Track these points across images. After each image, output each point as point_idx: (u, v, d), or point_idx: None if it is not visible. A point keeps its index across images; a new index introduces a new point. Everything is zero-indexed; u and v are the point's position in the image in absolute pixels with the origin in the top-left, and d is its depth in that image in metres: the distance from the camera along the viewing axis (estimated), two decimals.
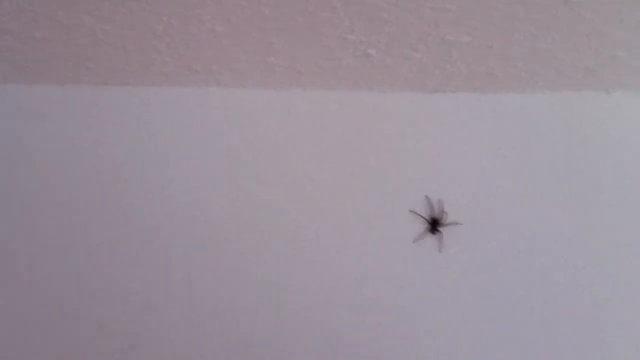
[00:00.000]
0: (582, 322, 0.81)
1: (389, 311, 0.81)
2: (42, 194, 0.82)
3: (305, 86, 0.84)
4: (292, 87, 0.84)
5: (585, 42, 0.78)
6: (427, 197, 0.85)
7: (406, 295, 0.82)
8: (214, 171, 0.83)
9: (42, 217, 0.81)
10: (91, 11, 0.69)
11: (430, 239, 0.84)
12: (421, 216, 0.84)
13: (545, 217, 0.84)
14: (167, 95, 0.83)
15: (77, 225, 0.81)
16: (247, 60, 0.79)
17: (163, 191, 0.82)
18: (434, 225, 0.84)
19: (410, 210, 0.84)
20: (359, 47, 0.77)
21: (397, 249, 0.83)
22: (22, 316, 0.79)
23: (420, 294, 0.82)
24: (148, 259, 0.81)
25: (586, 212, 0.84)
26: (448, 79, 0.84)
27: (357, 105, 0.86)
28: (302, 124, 0.85)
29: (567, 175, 0.85)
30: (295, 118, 0.85)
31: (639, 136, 0.87)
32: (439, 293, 0.82)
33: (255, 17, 0.70)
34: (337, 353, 0.80)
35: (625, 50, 0.81)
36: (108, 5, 0.68)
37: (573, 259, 0.83)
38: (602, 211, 0.84)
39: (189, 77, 0.81)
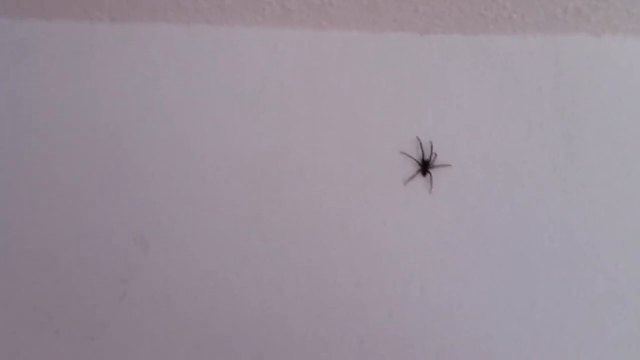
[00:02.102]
0: (564, 260, 0.81)
1: (372, 248, 0.81)
2: (27, 131, 0.81)
3: (294, 25, 0.84)
4: (281, 26, 0.84)
5: None
6: (417, 139, 0.84)
7: (391, 234, 0.82)
8: (200, 108, 0.82)
9: (28, 154, 0.80)
10: None
11: (420, 180, 0.84)
12: (412, 157, 0.84)
13: (533, 158, 0.84)
14: (154, 32, 0.82)
15: (64, 163, 0.80)
16: None
17: (151, 128, 0.82)
18: (425, 166, 0.84)
19: (401, 152, 0.84)
20: None
21: (386, 189, 0.83)
22: (11, 252, 0.78)
23: (407, 233, 0.82)
24: (139, 196, 0.80)
25: (573, 153, 0.84)
26: (438, 19, 0.84)
27: (346, 45, 0.85)
28: (291, 63, 0.85)
29: (555, 117, 0.85)
30: (283, 57, 0.85)
31: (627, 80, 0.87)
32: (427, 233, 0.82)
33: None
34: (317, 290, 0.80)
35: None
36: None
37: (558, 198, 0.83)
38: (587, 152, 0.84)
39: (178, 13, 0.80)
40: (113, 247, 0.79)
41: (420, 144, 0.84)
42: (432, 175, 0.83)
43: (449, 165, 0.84)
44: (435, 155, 0.84)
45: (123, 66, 0.82)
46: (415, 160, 0.84)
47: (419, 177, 0.84)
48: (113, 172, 0.81)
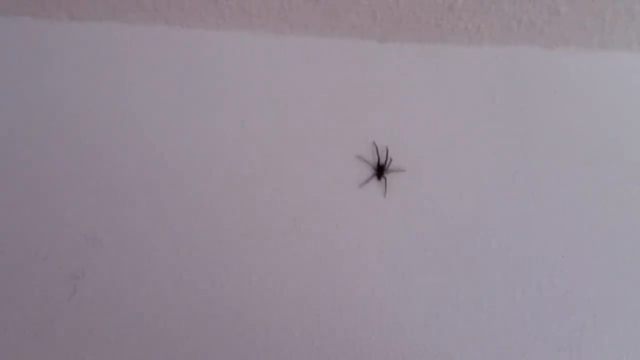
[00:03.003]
0: (511, 264, 0.84)
1: (325, 248, 0.83)
2: None
3: (254, 29, 0.85)
4: (241, 29, 0.85)
5: None
6: (374, 144, 0.86)
7: (344, 235, 0.83)
8: (157, 107, 0.83)
9: None
10: None
11: (375, 184, 0.86)
12: (367, 162, 0.86)
13: (485, 165, 0.87)
14: (113, 31, 0.83)
15: (16, 157, 0.80)
16: None
17: (107, 126, 0.82)
18: (380, 171, 0.85)
19: (357, 156, 0.86)
20: None
21: (341, 192, 0.85)
22: None
23: (360, 235, 0.84)
24: (92, 193, 0.81)
25: (523, 161, 0.87)
26: (396, 28, 0.86)
27: (306, 50, 0.87)
28: (250, 66, 0.86)
29: (507, 126, 0.88)
30: (243, 60, 0.86)
31: (578, 91, 0.90)
32: (379, 235, 0.84)
33: None
34: (269, 288, 0.81)
35: (568, 5, 0.84)
36: None
37: (508, 205, 0.85)
38: (537, 161, 0.87)
39: (138, 13, 0.81)
40: (64, 243, 0.79)
41: (376, 148, 0.86)
42: (387, 179, 0.85)
43: (403, 170, 0.86)
44: (391, 160, 0.86)
45: (81, 64, 0.82)
46: (371, 164, 0.86)
47: (374, 181, 0.86)
48: (67, 168, 0.81)
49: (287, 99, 0.86)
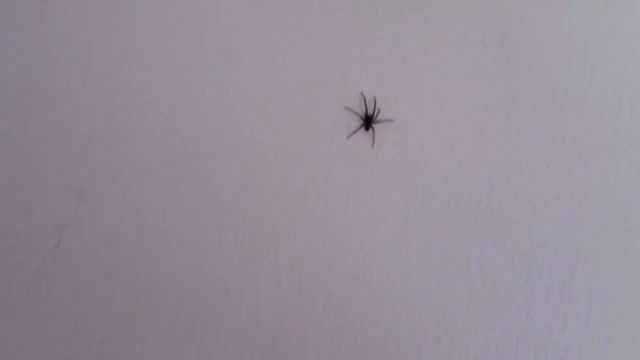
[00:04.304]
0: (502, 215, 0.83)
1: (313, 201, 0.82)
2: None
3: None
4: None
5: None
6: (361, 94, 0.85)
7: (332, 188, 0.82)
8: (141, 61, 0.82)
9: None
10: None
11: (363, 135, 0.84)
12: (355, 112, 0.84)
13: (476, 116, 0.85)
14: None
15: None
16: None
17: (93, 80, 0.81)
18: (368, 121, 0.84)
19: (345, 107, 0.85)
20: None
21: (329, 144, 0.84)
22: None
23: (348, 187, 0.83)
24: (77, 143, 0.80)
25: (514, 113, 0.85)
26: None
27: None
28: (234, 16, 0.84)
29: (499, 77, 0.86)
30: (227, 10, 0.84)
31: (570, 41, 0.88)
32: (368, 187, 0.83)
33: None
34: (256, 243, 0.81)
35: None
36: None
37: (499, 157, 0.84)
38: (528, 112, 0.86)
39: None
40: (48, 195, 0.78)
41: (364, 99, 0.85)
42: (375, 130, 0.84)
43: (391, 120, 0.84)
44: (379, 110, 0.85)
45: (62, 17, 0.81)
46: (359, 115, 0.85)
47: (362, 132, 0.84)
48: (50, 119, 0.80)
49: (272, 49, 0.85)
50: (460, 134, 0.85)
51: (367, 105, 0.84)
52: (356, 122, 0.84)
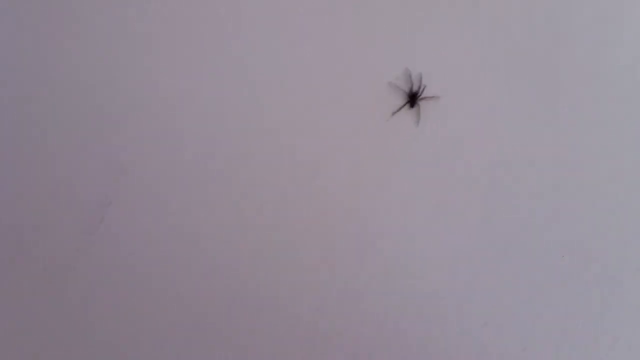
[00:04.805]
0: (551, 196, 0.81)
1: (357, 178, 0.81)
2: None
3: None
4: None
5: None
6: (406, 70, 0.83)
7: (376, 165, 0.81)
8: (171, 38, 0.80)
9: None
10: None
11: (409, 112, 0.82)
12: (401, 88, 0.82)
13: (521, 92, 0.83)
14: None
15: (44, 86, 0.78)
16: None
17: (128, 62, 0.79)
18: (413, 98, 0.82)
19: (389, 83, 0.82)
20: None
21: (373, 120, 0.82)
22: None
23: (393, 165, 0.81)
24: (121, 123, 0.79)
25: (560, 88, 0.83)
26: None
27: None
28: None
29: (543, 52, 0.84)
30: None
31: (613, 22, 0.85)
32: (412, 165, 0.81)
33: None
34: (294, 227, 0.80)
35: None
36: None
37: (546, 133, 0.82)
38: (574, 88, 0.83)
39: None
40: (90, 172, 0.77)
41: (410, 75, 0.82)
42: (421, 107, 0.82)
43: (437, 97, 0.82)
44: (425, 87, 0.82)
45: None
46: (404, 91, 0.82)
47: (407, 108, 0.82)
48: (89, 98, 0.79)
49: (311, 22, 0.82)
50: (506, 110, 0.82)
51: (413, 81, 0.82)
52: (401, 98, 0.82)
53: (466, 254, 0.80)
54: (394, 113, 0.82)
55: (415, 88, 0.82)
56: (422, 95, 0.82)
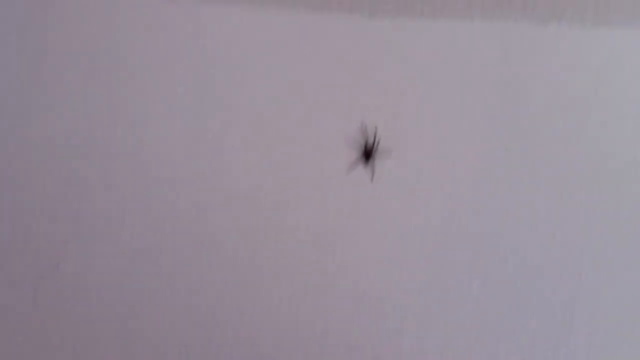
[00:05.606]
0: (505, 252, 0.83)
1: (311, 237, 0.81)
2: None
3: (236, 3, 0.79)
4: (218, 2, 0.79)
5: None
6: (361, 124, 0.83)
7: (334, 224, 0.81)
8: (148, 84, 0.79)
9: None
10: None
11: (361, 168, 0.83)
12: (355, 145, 0.82)
13: (477, 147, 0.84)
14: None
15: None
16: None
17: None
18: (367, 155, 0.82)
19: (346, 138, 0.82)
20: None
21: (329, 177, 0.82)
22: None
23: (350, 223, 0.82)
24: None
25: (517, 144, 0.84)
26: (385, 2, 0.81)
27: (292, 25, 0.82)
28: (234, 43, 0.81)
29: (500, 105, 0.85)
30: (225, 36, 0.81)
31: (571, 69, 0.87)
32: (369, 223, 0.82)
33: None
34: (261, 278, 0.80)
35: None
36: None
37: (502, 189, 0.84)
38: (532, 143, 0.85)
39: None
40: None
41: (364, 129, 0.82)
42: (375, 163, 0.82)
43: (391, 151, 0.83)
44: (379, 141, 0.83)
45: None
46: (359, 147, 0.82)
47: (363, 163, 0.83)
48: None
49: (271, 77, 0.82)
50: (461, 166, 0.84)
51: (368, 135, 0.82)
52: (357, 152, 0.83)
53: (413, 304, 0.81)
54: (348, 172, 0.82)
55: (369, 143, 0.82)
56: (377, 149, 0.82)
